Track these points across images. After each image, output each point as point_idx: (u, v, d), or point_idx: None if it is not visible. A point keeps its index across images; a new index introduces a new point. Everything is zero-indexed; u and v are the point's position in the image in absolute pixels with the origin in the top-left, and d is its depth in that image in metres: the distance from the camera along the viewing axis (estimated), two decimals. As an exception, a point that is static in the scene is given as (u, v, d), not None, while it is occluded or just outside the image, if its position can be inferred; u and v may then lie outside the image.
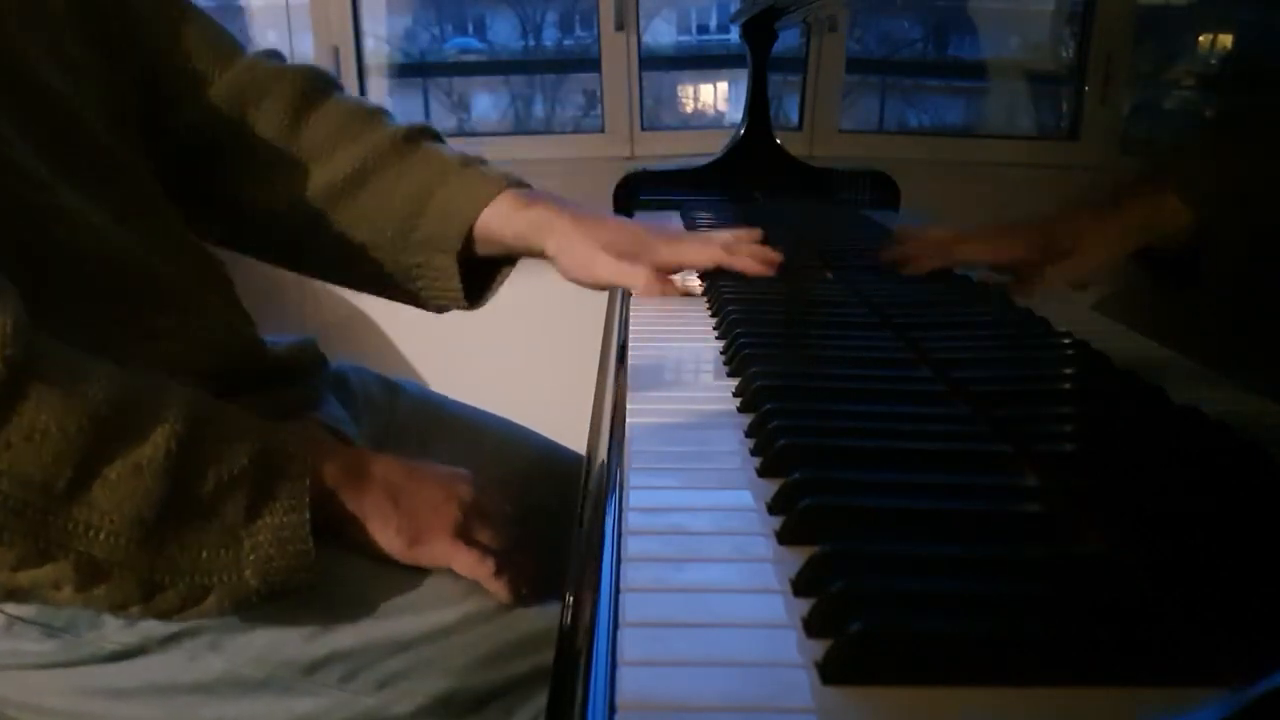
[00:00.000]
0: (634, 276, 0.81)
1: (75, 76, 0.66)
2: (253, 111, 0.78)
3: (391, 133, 0.81)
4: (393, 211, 0.80)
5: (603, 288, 0.83)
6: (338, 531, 0.59)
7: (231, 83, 0.78)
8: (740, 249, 0.84)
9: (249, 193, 0.80)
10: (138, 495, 0.51)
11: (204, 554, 0.53)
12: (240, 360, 0.70)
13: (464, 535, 0.61)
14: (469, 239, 0.80)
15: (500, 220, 0.80)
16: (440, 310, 0.88)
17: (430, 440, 0.84)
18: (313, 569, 0.56)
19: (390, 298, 0.87)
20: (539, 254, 0.81)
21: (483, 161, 0.84)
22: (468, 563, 0.61)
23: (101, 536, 0.50)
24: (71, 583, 0.52)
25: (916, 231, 0.89)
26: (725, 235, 0.87)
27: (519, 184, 0.82)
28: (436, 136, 0.85)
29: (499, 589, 0.61)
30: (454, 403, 0.91)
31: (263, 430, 0.57)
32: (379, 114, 0.83)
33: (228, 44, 0.79)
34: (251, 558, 0.54)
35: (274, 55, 0.82)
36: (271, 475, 0.55)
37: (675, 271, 0.84)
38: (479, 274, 0.84)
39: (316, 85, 0.81)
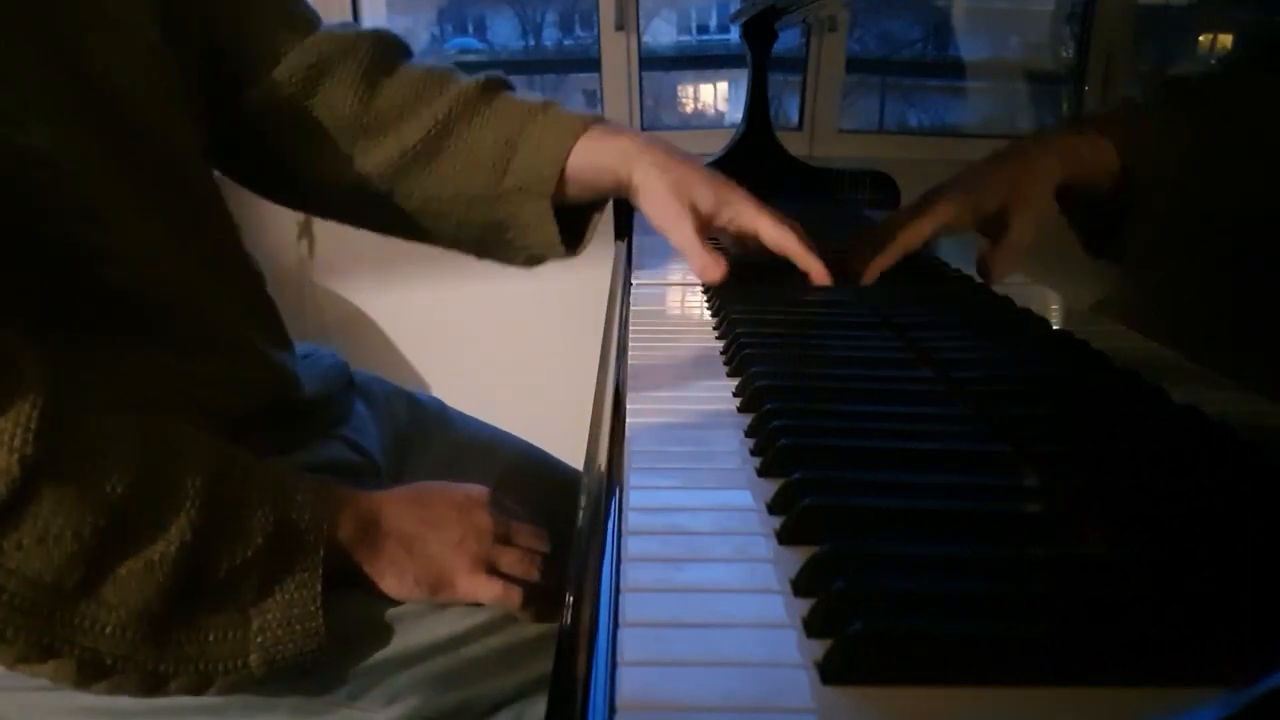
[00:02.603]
0: (709, 268, 0.76)
1: (144, 66, 0.62)
2: (325, 85, 0.75)
3: (464, 88, 0.78)
4: (479, 165, 0.76)
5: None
6: (354, 584, 0.59)
7: (301, 57, 0.75)
8: (811, 252, 0.79)
9: (320, 168, 0.77)
10: (148, 590, 0.49)
11: (211, 637, 0.52)
12: (275, 396, 0.68)
13: (487, 566, 0.60)
14: (561, 180, 0.76)
15: (588, 154, 0.76)
16: (531, 263, 0.82)
17: (446, 456, 0.84)
18: (320, 646, 0.54)
19: (477, 254, 0.83)
20: (625, 186, 0.77)
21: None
22: (493, 595, 0.60)
23: (108, 631, 0.49)
24: (72, 679, 0.51)
25: (862, 241, 0.83)
26: (794, 226, 0.79)
27: (603, 120, 0.78)
28: (509, 85, 0.81)
29: (527, 617, 0.61)
30: (461, 415, 0.91)
31: (278, 497, 0.55)
32: (451, 74, 0.79)
33: (300, 17, 0.77)
34: (259, 640, 0.53)
35: (347, 26, 0.79)
36: (285, 552, 0.54)
37: (747, 234, 0.79)
38: (570, 222, 0.80)
39: (388, 52, 0.79)
